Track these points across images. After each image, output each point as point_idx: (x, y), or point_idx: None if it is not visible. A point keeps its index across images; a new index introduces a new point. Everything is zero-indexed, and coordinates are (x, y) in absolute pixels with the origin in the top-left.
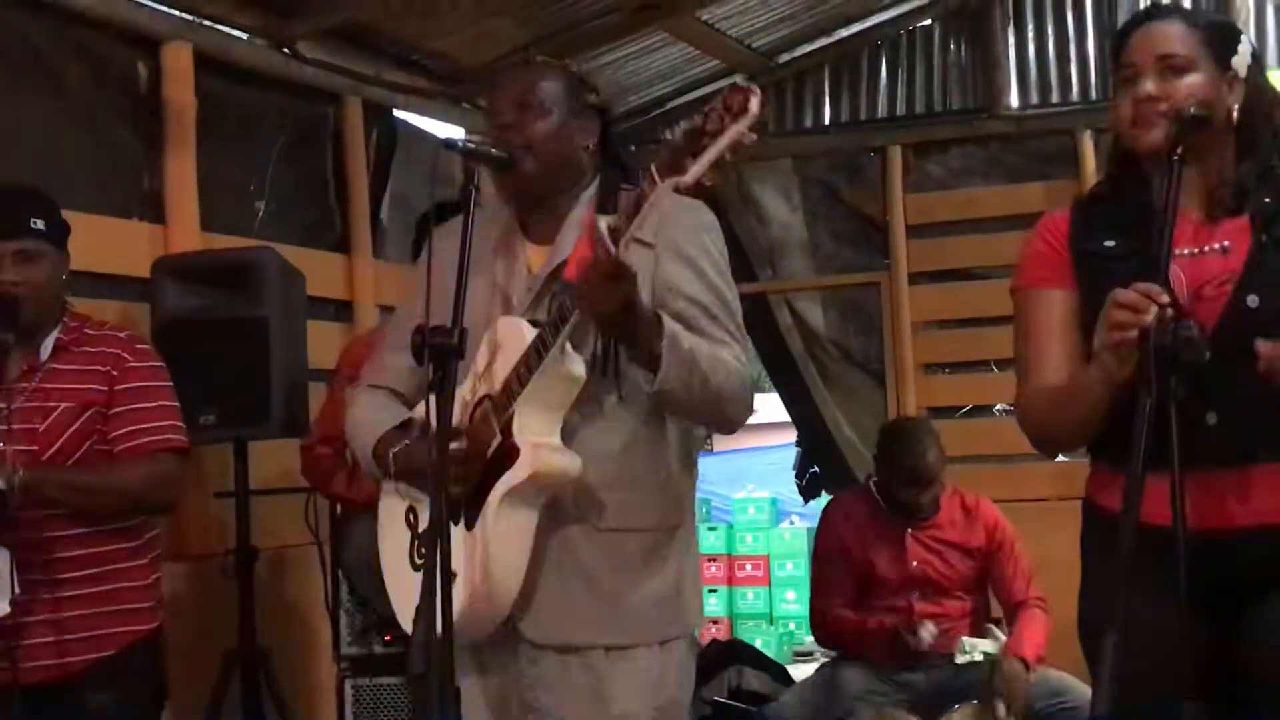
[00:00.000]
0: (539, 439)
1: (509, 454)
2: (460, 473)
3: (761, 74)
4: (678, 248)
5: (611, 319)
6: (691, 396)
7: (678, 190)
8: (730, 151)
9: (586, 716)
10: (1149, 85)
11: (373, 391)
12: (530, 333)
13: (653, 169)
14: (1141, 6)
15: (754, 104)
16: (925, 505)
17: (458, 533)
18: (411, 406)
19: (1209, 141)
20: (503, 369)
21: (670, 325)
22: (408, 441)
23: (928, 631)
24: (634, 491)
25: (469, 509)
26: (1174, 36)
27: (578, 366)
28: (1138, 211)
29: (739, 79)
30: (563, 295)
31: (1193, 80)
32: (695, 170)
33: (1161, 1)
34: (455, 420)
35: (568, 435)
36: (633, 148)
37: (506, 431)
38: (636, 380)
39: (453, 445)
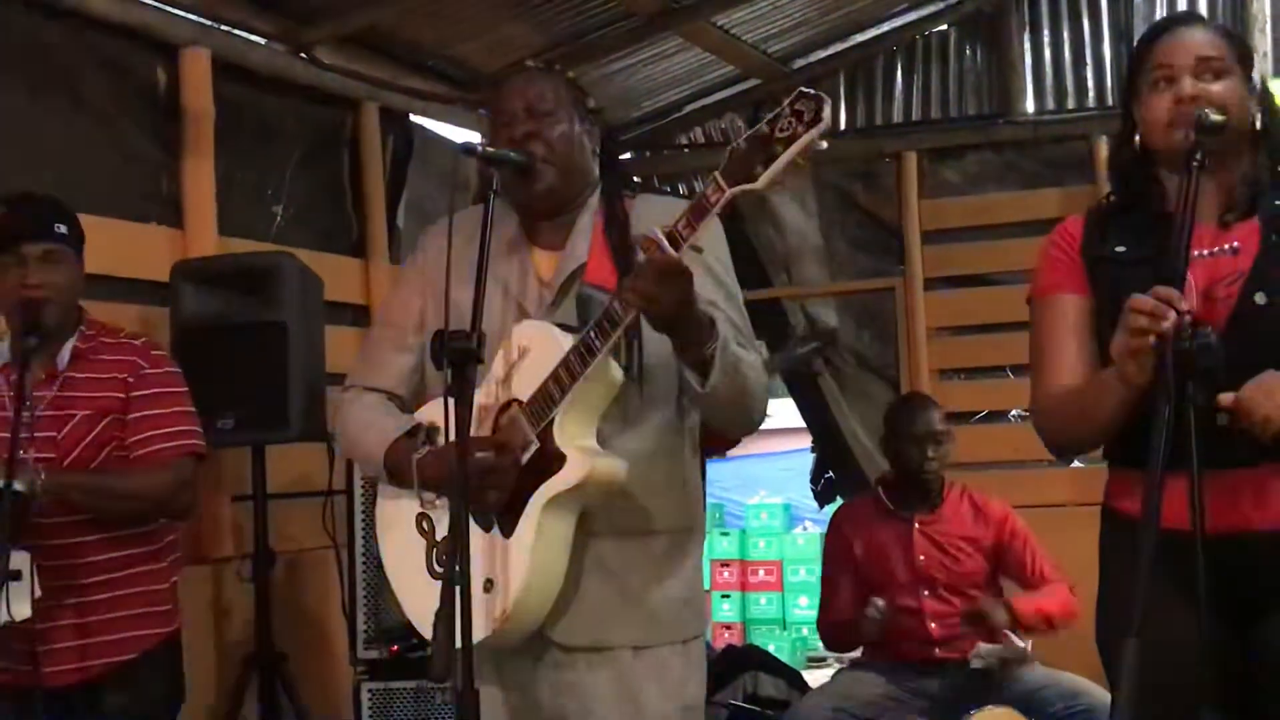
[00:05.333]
0: (582, 443)
1: (553, 459)
2: (497, 480)
3: (777, 79)
4: (698, 257)
5: (670, 319)
6: (730, 400)
7: (745, 196)
8: (802, 158)
9: (610, 714)
10: (1189, 85)
11: (368, 394)
12: (564, 337)
13: (718, 176)
14: (1159, 11)
15: (826, 111)
16: (937, 474)
17: (487, 540)
18: (409, 410)
19: (1226, 148)
20: (532, 374)
21: (722, 329)
22: (430, 448)
23: (874, 608)
24: (658, 494)
25: (505, 516)
26: (1210, 41)
27: (616, 370)
28: (1151, 217)
29: (748, 85)
30: (606, 298)
31: (1230, 85)
32: (767, 176)
33: (1193, 10)
34: (474, 426)
35: (597, 440)
36: (648, 154)
37: (546, 437)
38: (660, 383)
39: (481, 453)
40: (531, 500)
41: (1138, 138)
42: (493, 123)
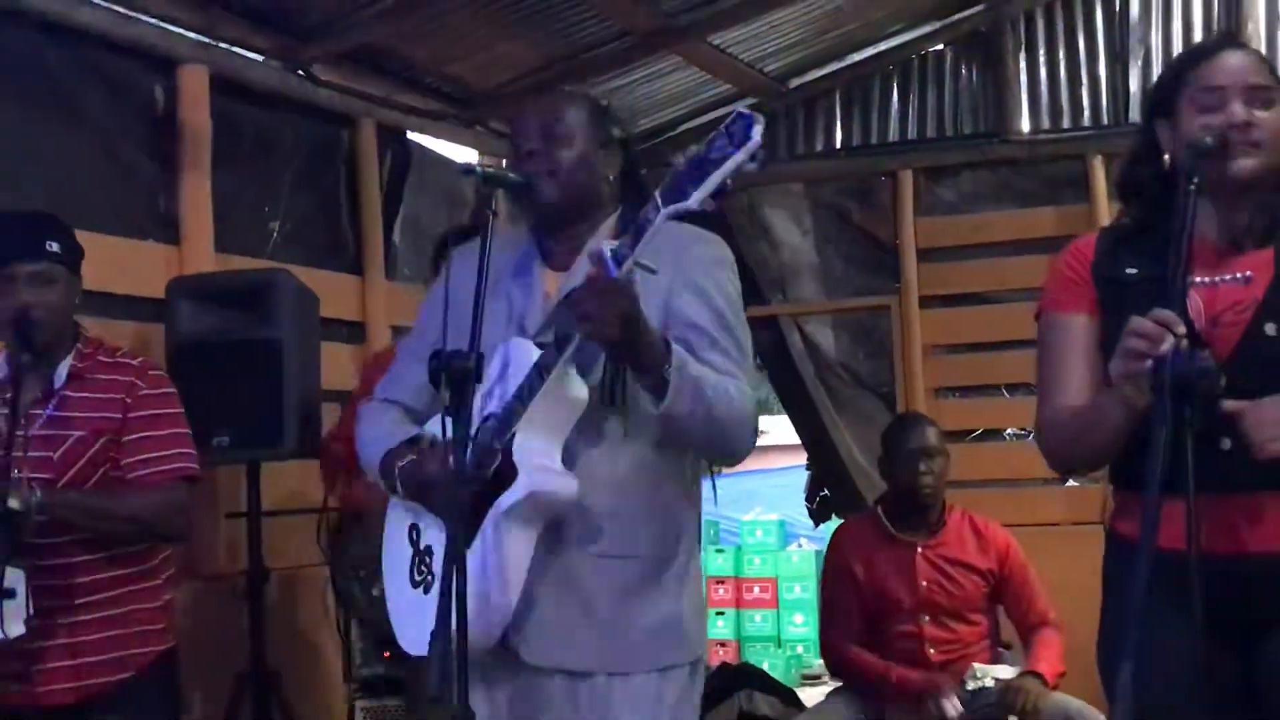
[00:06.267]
0: (537, 460)
1: (507, 473)
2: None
3: (773, 98)
4: (690, 279)
5: (611, 337)
6: (695, 424)
7: (678, 216)
8: (730, 179)
9: None
10: (1240, 111)
11: (386, 406)
12: (536, 354)
13: (656, 195)
14: (1154, 35)
15: (756, 132)
16: (934, 490)
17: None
18: (423, 423)
19: (1261, 176)
20: (509, 389)
21: (679, 351)
22: (413, 456)
23: (953, 706)
24: (635, 519)
25: (466, 527)
26: (1257, 68)
27: (580, 389)
28: (1164, 240)
29: (745, 104)
30: (564, 317)
31: (1277, 115)
32: (696, 196)
33: (1230, 31)
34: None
35: (570, 459)
36: (644, 172)
37: (507, 451)
38: (642, 406)
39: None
40: (489, 513)
41: (1167, 157)
42: (511, 140)
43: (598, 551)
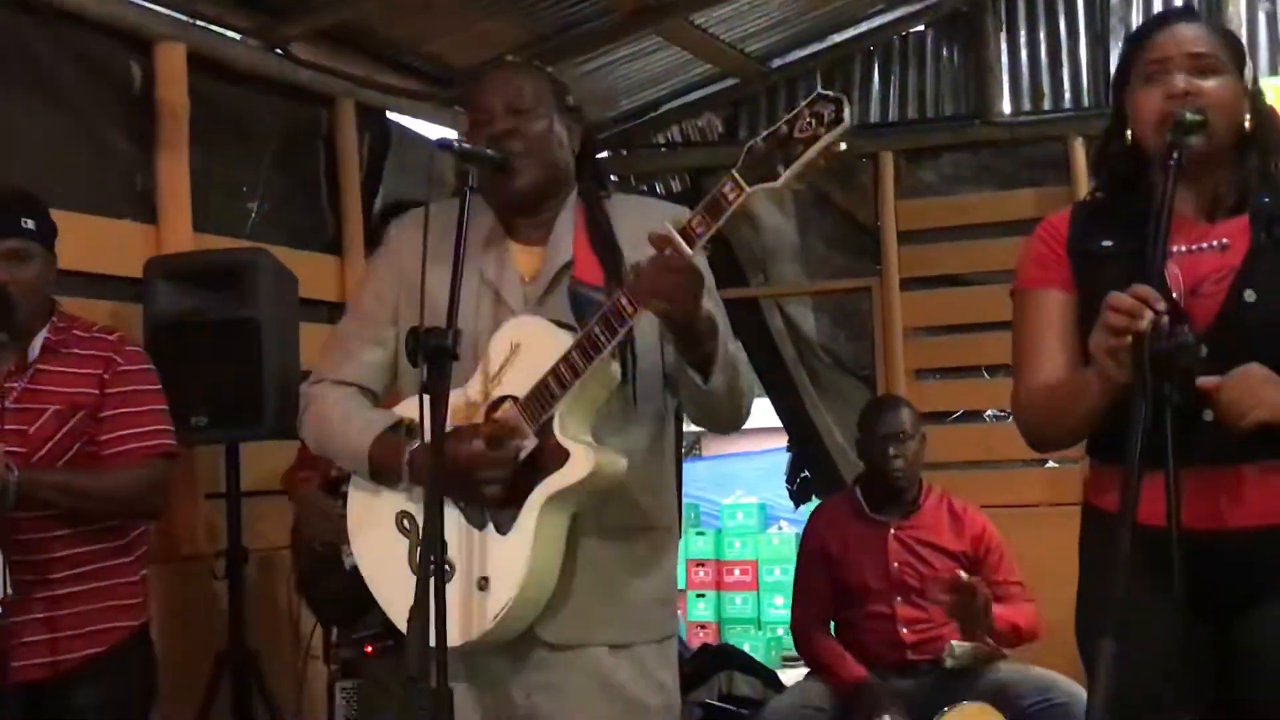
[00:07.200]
0: (586, 439)
1: (554, 455)
2: (493, 474)
3: (754, 79)
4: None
5: (686, 318)
6: (726, 397)
7: (764, 193)
8: (822, 158)
9: (591, 711)
10: (1180, 80)
11: (341, 387)
12: (559, 334)
13: (735, 174)
14: (1134, 16)
15: (846, 114)
16: (905, 472)
17: (481, 538)
18: (380, 404)
19: (1216, 146)
20: (527, 370)
21: (722, 328)
22: (424, 443)
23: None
24: (646, 492)
25: (501, 512)
26: (1204, 38)
27: (617, 369)
28: (1137, 214)
29: (725, 85)
30: (601, 297)
31: (1222, 81)
32: (788, 176)
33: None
34: (462, 422)
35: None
36: (625, 152)
37: (545, 434)
38: (648, 383)
39: (474, 442)
40: (531, 497)
41: (1129, 133)
42: (471, 118)
43: (610, 527)
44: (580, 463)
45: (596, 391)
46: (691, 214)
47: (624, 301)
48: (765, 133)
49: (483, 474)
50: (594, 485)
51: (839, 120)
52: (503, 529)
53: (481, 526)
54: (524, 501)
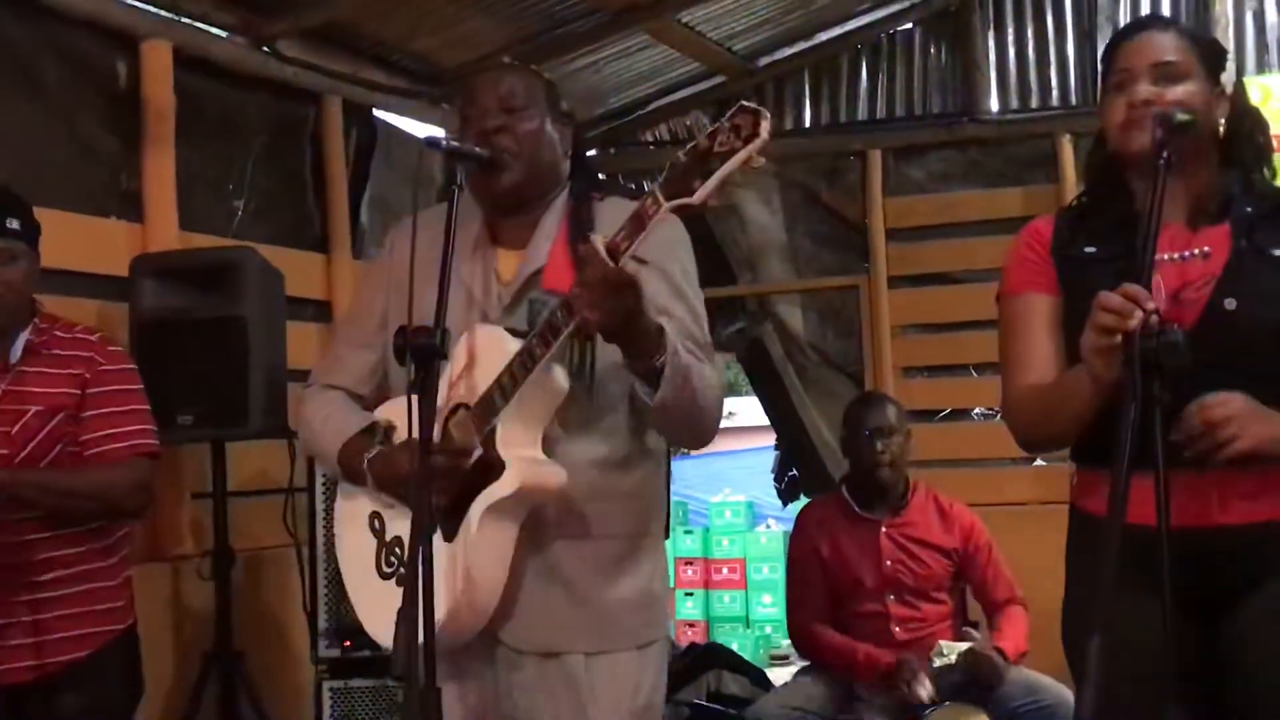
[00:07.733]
0: (522, 451)
1: (493, 466)
2: (443, 484)
3: (741, 77)
4: (655, 263)
5: (616, 330)
6: (681, 411)
7: (683, 211)
8: (740, 173)
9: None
10: (1143, 89)
11: (329, 391)
12: (511, 342)
13: (656, 189)
14: (1122, 14)
15: (764, 127)
16: (891, 469)
17: (435, 543)
18: (369, 408)
19: (1194, 151)
20: (481, 378)
21: (671, 340)
22: (383, 448)
23: (924, 689)
24: (612, 500)
25: (448, 519)
26: (1170, 45)
27: (562, 379)
28: (1120, 218)
29: (712, 83)
30: (550, 306)
31: (1187, 88)
32: (703, 192)
33: (1158, 12)
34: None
35: (547, 447)
36: (613, 150)
37: (489, 443)
38: (613, 389)
39: (438, 456)
40: (473, 506)
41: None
42: (462, 115)
43: (578, 534)
44: (510, 477)
45: (541, 402)
46: (617, 229)
47: (559, 313)
48: (687, 147)
49: (432, 484)
50: (529, 497)
51: (755, 134)
52: (448, 536)
53: (433, 532)
54: (467, 510)
